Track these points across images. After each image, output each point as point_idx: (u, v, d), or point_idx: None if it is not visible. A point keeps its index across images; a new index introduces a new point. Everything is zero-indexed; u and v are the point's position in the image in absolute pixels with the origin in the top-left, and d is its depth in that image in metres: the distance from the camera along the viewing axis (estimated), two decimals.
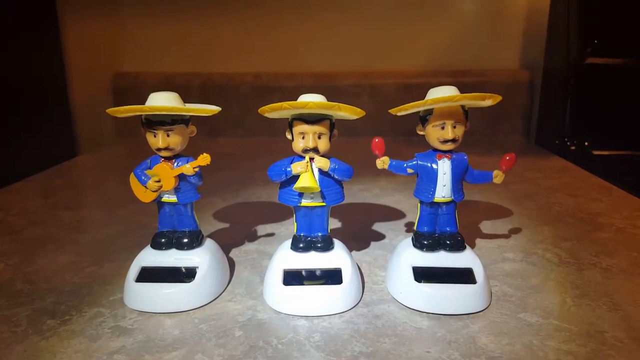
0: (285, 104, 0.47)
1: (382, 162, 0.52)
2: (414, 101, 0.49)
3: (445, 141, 0.50)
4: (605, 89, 1.17)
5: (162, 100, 0.49)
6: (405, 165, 0.52)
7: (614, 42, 1.13)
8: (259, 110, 0.50)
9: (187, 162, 0.51)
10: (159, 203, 0.53)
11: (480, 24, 1.38)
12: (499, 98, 0.49)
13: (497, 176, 0.52)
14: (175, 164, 0.51)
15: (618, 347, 0.44)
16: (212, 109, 0.53)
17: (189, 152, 0.53)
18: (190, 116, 0.52)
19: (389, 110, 0.52)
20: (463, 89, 0.50)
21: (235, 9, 1.39)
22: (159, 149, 0.50)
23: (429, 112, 0.50)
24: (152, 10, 1.39)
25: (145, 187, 0.51)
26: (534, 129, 1.41)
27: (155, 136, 0.50)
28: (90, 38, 1.41)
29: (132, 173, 0.52)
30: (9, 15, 1.17)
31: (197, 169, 0.51)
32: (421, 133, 0.52)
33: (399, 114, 0.51)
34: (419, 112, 0.52)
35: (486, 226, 0.73)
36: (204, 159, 0.50)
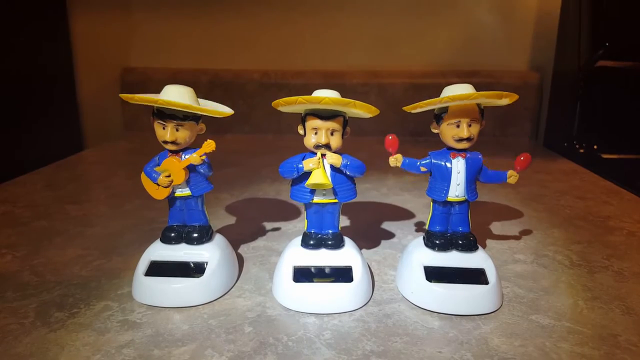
0: (300, 98, 0.46)
1: (395, 160, 0.51)
2: (422, 101, 0.48)
3: (461, 139, 0.49)
4: (614, 92, 1.16)
5: (177, 95, 0.48)
6: (418, 163, 0.51)
7: (625, 45, 1.12)
8: (273, 104, 0.50)
9: (194, 152, 0.50)
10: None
11: (489, 24, 1.37)
12: (515, 97, 0.49)
13: (512, 176, 0.51)
14: (183, 157, 0.51)
15: (632, 350, 0.43)
16: (225, 111, 0.53)
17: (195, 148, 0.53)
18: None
19: (404, 108, 0.52)
20: None
21: (243, 6, 1.38)
22: (165, 142, 0.50)
23: (444, 110, 0.49)
24: (160, 6, 1.39)
25: (157, 184, 0.51)
26: (543, 131, 1.41)
27: (164, 128, 0.49)
28: (99, 33, 1.41)
29: (143, 172, 0.52)
30: (18, 9, 1.17)
31: (204, 157, 0.50)
32: (435, 131, 0.52)
33: (414, 111, 0.50)
34: (431, 110, 0.51)
35: (496, 227, 0.73)
36: (209, 145, 0.49)
